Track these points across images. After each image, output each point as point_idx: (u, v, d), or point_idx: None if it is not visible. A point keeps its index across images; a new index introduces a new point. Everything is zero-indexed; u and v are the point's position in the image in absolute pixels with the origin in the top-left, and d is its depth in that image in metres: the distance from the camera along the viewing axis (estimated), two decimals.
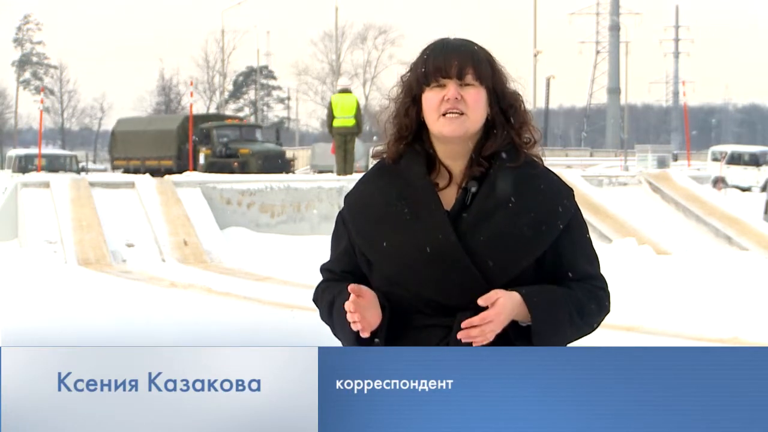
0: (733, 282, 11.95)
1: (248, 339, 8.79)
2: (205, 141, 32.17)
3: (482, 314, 2.40)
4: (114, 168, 38.57)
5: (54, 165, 35.30)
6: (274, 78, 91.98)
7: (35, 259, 14.52)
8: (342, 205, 2.66)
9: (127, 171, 34.81)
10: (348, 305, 2.44)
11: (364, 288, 2.45)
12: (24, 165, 36.53)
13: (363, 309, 2.44)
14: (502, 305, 2.41)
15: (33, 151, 41.14)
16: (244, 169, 29.37)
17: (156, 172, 27.43)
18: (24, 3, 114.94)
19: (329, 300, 2.60)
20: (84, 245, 15.04)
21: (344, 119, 20.31)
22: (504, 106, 2.55)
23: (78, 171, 35.58)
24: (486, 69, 2.53)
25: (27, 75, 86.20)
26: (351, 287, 2.43)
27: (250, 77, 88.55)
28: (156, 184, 17.76)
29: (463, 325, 2.41)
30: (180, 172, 30.09)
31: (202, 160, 31.07)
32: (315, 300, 2.69)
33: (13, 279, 12.82)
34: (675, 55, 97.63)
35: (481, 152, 2.53)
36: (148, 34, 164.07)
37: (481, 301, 2.40)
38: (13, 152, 43.08)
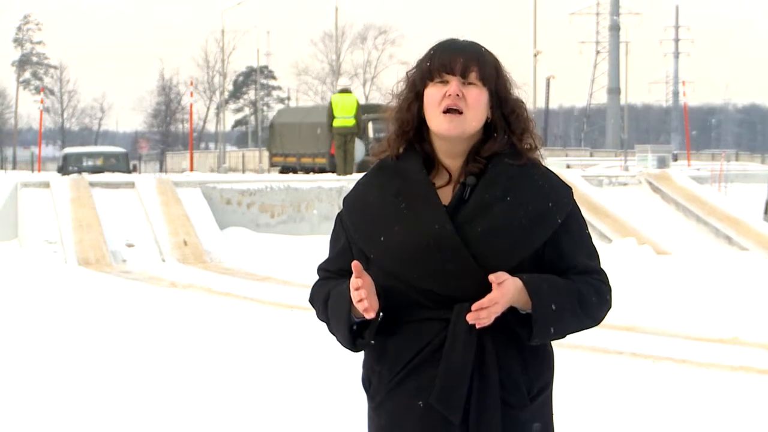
0: (733, 282, 11.95)
1: (248, 339, 8.79)
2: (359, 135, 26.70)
3: (490, 296, 2.41)
4: (271, 165, 32.93)
5: (108, 163, 29.16)
6: (274, 78, 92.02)
7: (35, 259, 14.51)
8: (342, 205, 2.67)
9: (284, 170, 29.73)
10: (354, 281, 2.43)
11: (364, 271, 2.46)
12: (67, 164, 29.27)
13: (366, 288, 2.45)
14: (507, 287, 2.43)
15: (81, 149, 35.17)
16: None
17: (311, 173, 23.70)
18: (24, 3, 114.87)
19: (324, 295, 2.60)
20: (84, 245, 15.03)
21: (344, 119, 20.34)
22: (506, 111, 2.56)
23: (129, 170, 29.52)
24: (490, 71, 2.54)
25: (27, 75, 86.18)
26: (354, 264, 2.43)
27: (250, 77, 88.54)
28: (156, 184, 17.76)
29: (473, 307, 2.41)
30: (333, 172, 26.33)
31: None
32: (311, 300, 2.69)
33: (13, 279, 12.81)
34: (675, 55, 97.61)
35: (479, 152, 2.54)
36: (148, 34, 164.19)
37: (492, 278, 2.41)
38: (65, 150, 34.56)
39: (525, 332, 2.47)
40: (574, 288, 2.50)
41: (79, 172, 24.24)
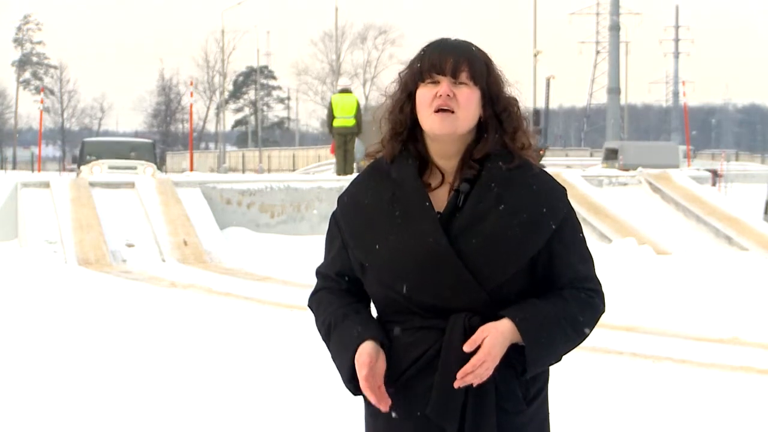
0: (733, 282, 11.95)
1: (248, 339, 8.79)
2: None
3: (472, 361, 2.39)
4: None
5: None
6: (274, 78, 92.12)
7: (35, 259, 14.51)
8: (337, 204, 2.66)
9: None
10: (369, 395, 2.45)
11: (369, 356, 2.45)
12: (84, 156, 25.12)
13: (375, 372, 2.46)
14: (491, 345, 2.40)
15: (102, 139, 31.99)
16: None
17: None
18: (24, 3, 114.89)
19: (327, 323, 2.58)
20: (84, 245, 15.02)
21: (344, 119, 20.35)
22: (498, 110, 2.54)
23: (157, 165, 25.33)
24: (481, 69, 2.53)
25: (27, 75, 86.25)
26: (362, 376, 2.43)
27: (250, 77, 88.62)
28: (156, 184, 17.75)
29: (459, 375, 2.39)
30: None
31: None
32: (310, 307, 2.68)
33: (13, 279, 12.81)
34: (675, 55, 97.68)
35: (472, 155, 2.53)
36: (148, 34, 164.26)
37: (467, 348, 2.39)
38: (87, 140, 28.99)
39: (520, 365, 2.46)
40: (567, 314, 2.47)
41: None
